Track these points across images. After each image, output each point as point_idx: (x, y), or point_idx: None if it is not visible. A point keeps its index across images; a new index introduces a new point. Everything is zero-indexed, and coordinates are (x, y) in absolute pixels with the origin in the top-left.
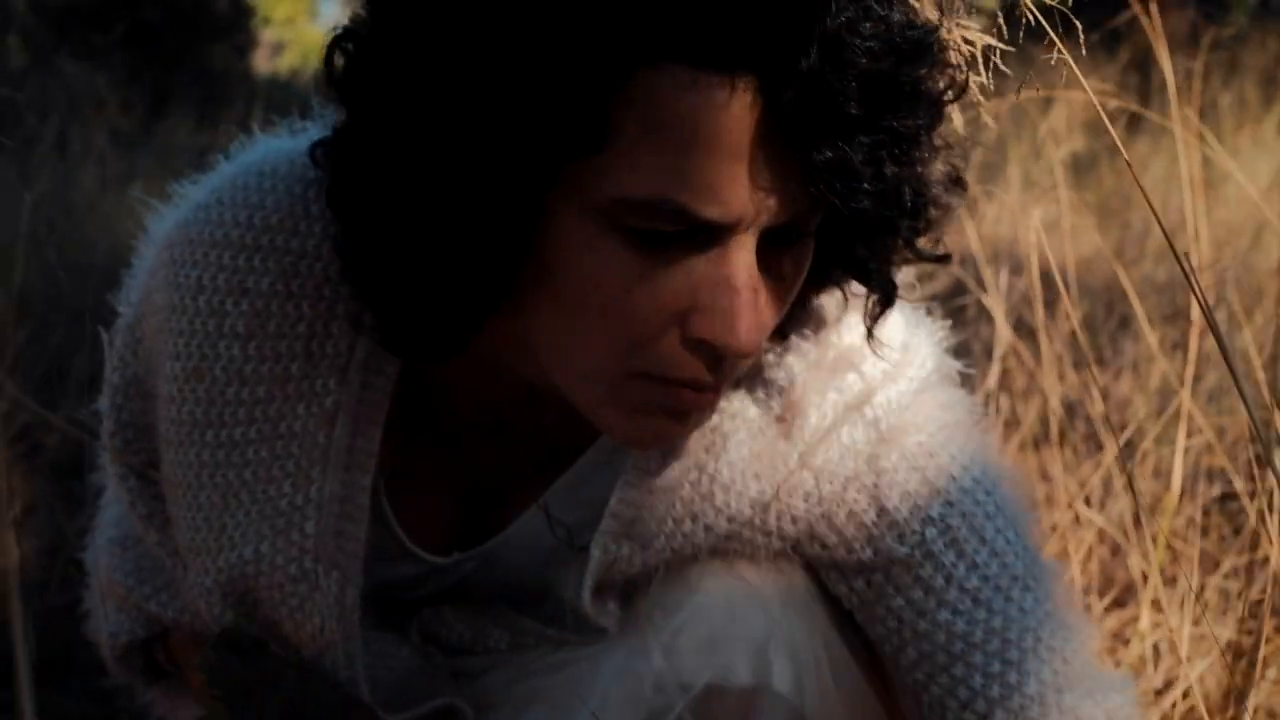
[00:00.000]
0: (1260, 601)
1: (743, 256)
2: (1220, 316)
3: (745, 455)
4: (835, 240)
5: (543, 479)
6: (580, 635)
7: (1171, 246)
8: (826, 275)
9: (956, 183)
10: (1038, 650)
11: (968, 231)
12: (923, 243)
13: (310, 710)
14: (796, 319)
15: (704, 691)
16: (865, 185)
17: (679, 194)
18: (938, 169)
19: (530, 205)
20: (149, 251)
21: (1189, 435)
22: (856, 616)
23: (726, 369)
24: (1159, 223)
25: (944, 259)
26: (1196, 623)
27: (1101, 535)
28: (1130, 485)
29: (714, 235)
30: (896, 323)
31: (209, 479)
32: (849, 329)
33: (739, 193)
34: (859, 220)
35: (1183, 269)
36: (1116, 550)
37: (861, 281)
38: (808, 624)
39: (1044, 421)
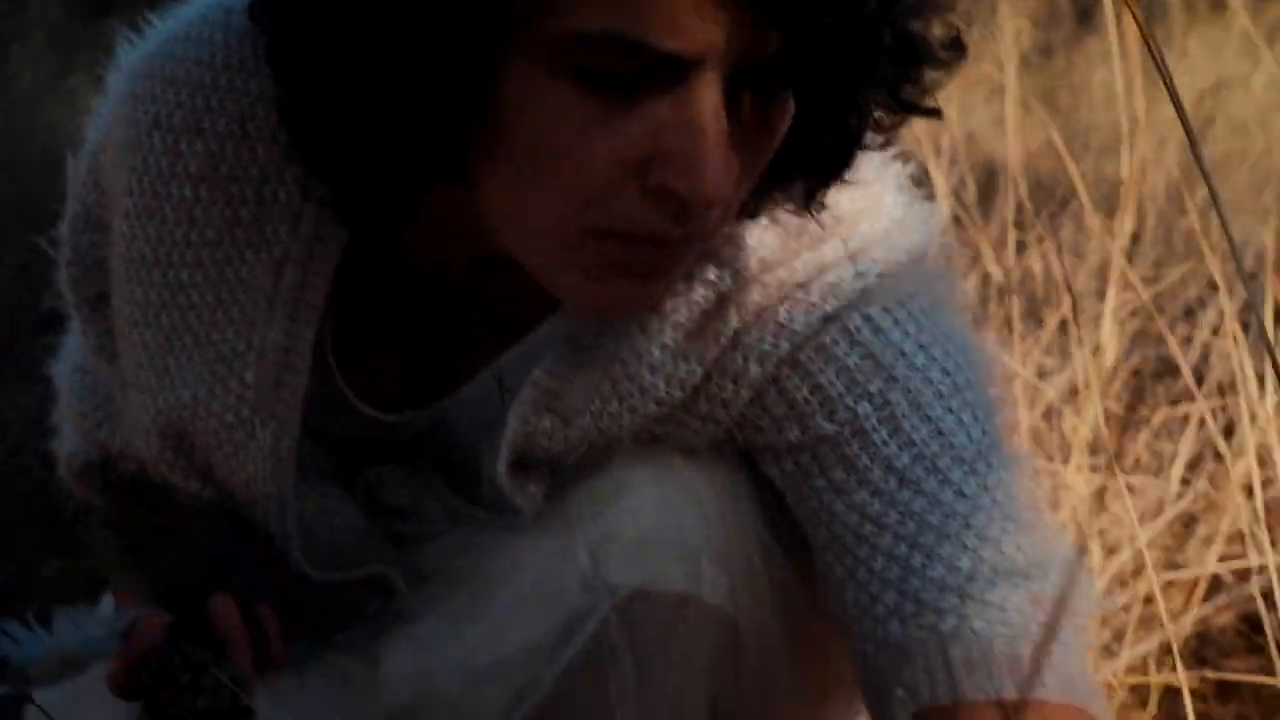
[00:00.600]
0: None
1: (708, 97)
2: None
3: (680, 338)
4: (815, 99)
5: (499, 349)
6: (504, 516)
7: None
8: (805, 147)
9: (953, 45)
10: (962, 537)
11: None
12: (910, 93)
13: (217, 561)
14: (769, 199)
15: (632, 595)
16: (834, 13)
17: (634, 25)
18: (927, 24)
19: (477, 50)
20: (116, 80)
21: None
22: (789, 502)
23: (693, 224)
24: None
25: (933, 113)
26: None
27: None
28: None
29: (675, 74)
30: (870, 198)
31: (154, 319)
32: (816, 210)
33: (700, 22)
34: (835, 64)
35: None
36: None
37: (838, 145)
38: (744, 531)
39: (984, 300)
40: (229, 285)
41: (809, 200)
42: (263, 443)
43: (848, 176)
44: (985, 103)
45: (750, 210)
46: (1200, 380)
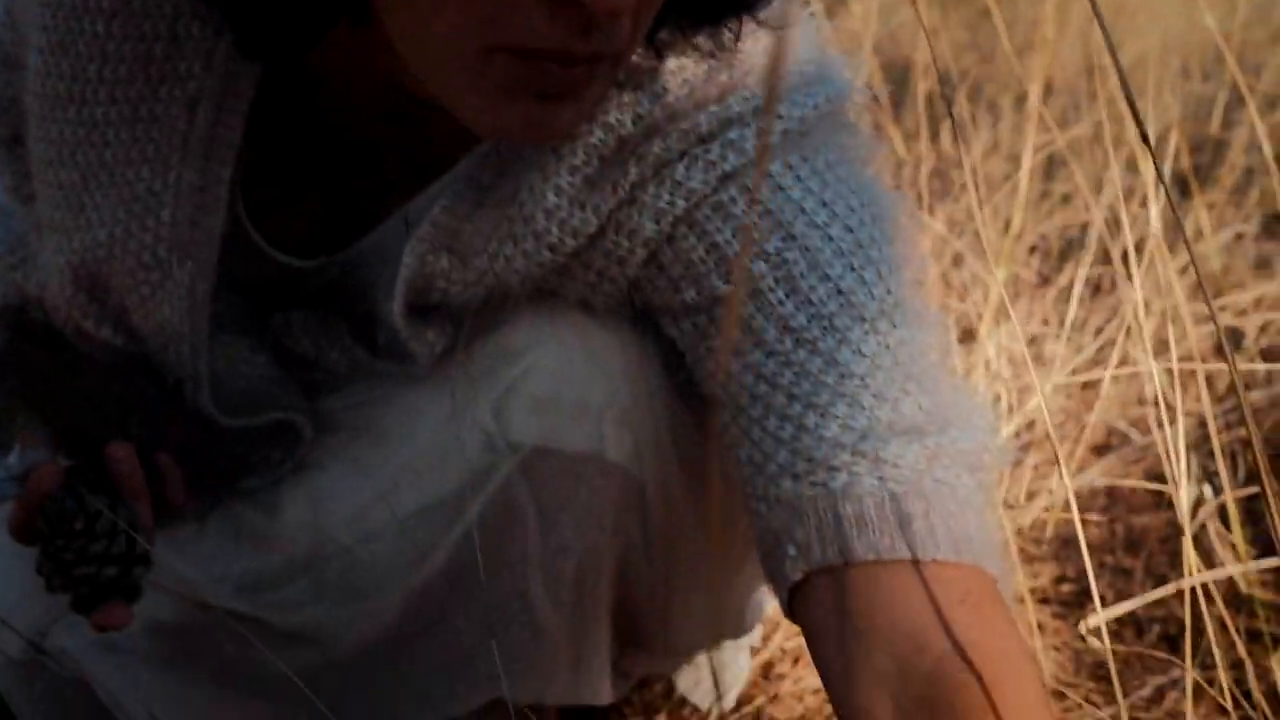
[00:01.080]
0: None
1: None
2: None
3: (578, 183)
4: None
5: (410, 194)
6: (403, 365)
7: None
8: None
9: None
10: (858, 395)
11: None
12: None
13: (119, 409)
14: (676, 33)
15: (533, 453)
16: None
17: None
18: None
19: None
20: None
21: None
22: (689, 363)
23: (598, 40)
24: None
25: None
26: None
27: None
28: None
29: None
30: (782, 51)
31: (69, 158)
32: (727, 62)
33: None
34: None
35: None
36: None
37: None
38: (648, 393)
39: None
40: (144, 123)
41: (715, 38)
42: (179, 283)
43: (759, 19)
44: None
45: (657, 46)
46: (1111, 251)
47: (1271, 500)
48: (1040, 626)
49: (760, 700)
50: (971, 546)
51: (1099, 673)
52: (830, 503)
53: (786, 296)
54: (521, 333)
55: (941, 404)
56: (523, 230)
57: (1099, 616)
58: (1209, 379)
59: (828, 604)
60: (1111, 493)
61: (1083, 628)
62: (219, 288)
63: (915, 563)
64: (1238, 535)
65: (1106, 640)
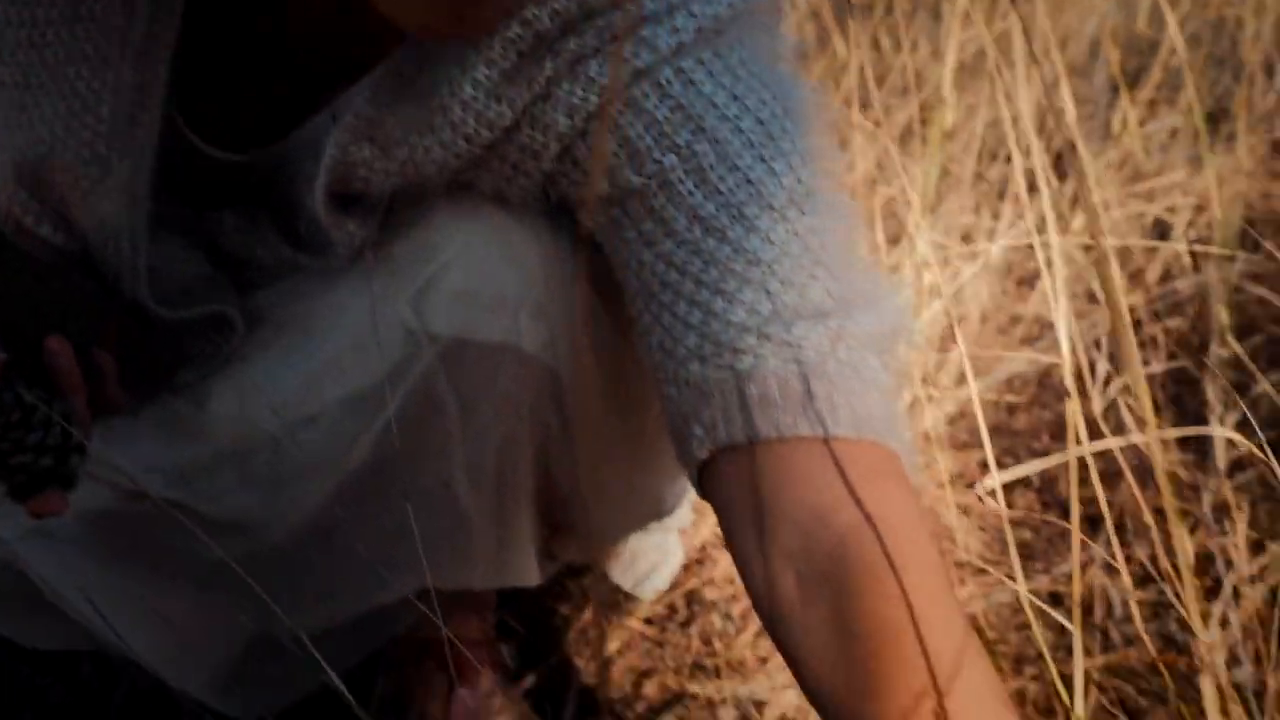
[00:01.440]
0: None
1: None
2: None
3: (495, 76)
4: None
5: (340, 88)
6: (326, 258)
7: None
8: None
9: None
10: (765, 282)
11: None
12: None
13: (56, 304)
14: None
15: (452, 344)
16: None
17: None
18: None
19: None
20: None
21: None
22: (605, 254)
23: None
24: None
25: None
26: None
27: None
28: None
29: None
30: None
31: (10, 57)
32: None
33: None
34: None
35: None
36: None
37: None
38: (563, 282)
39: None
40: (82, 23)
41: None
42: (118, 179)
43: None
44: None
45: None
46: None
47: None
48: (965, 510)
49: (694, 583)
50: (874, 424)
51: (1023, 552)
52: (736, 384)
53: (696, 187)
54: (439, 229)
55: (849, 289)
56: (440, 121)
57: (994, 479)
58: (1140, 271)
59: (735, 482)
60: (1043, 381)
61: (979, 489)
62: (157, 186)
63: (819, 440)
64: (1147, 410)
65: (1002, 502)
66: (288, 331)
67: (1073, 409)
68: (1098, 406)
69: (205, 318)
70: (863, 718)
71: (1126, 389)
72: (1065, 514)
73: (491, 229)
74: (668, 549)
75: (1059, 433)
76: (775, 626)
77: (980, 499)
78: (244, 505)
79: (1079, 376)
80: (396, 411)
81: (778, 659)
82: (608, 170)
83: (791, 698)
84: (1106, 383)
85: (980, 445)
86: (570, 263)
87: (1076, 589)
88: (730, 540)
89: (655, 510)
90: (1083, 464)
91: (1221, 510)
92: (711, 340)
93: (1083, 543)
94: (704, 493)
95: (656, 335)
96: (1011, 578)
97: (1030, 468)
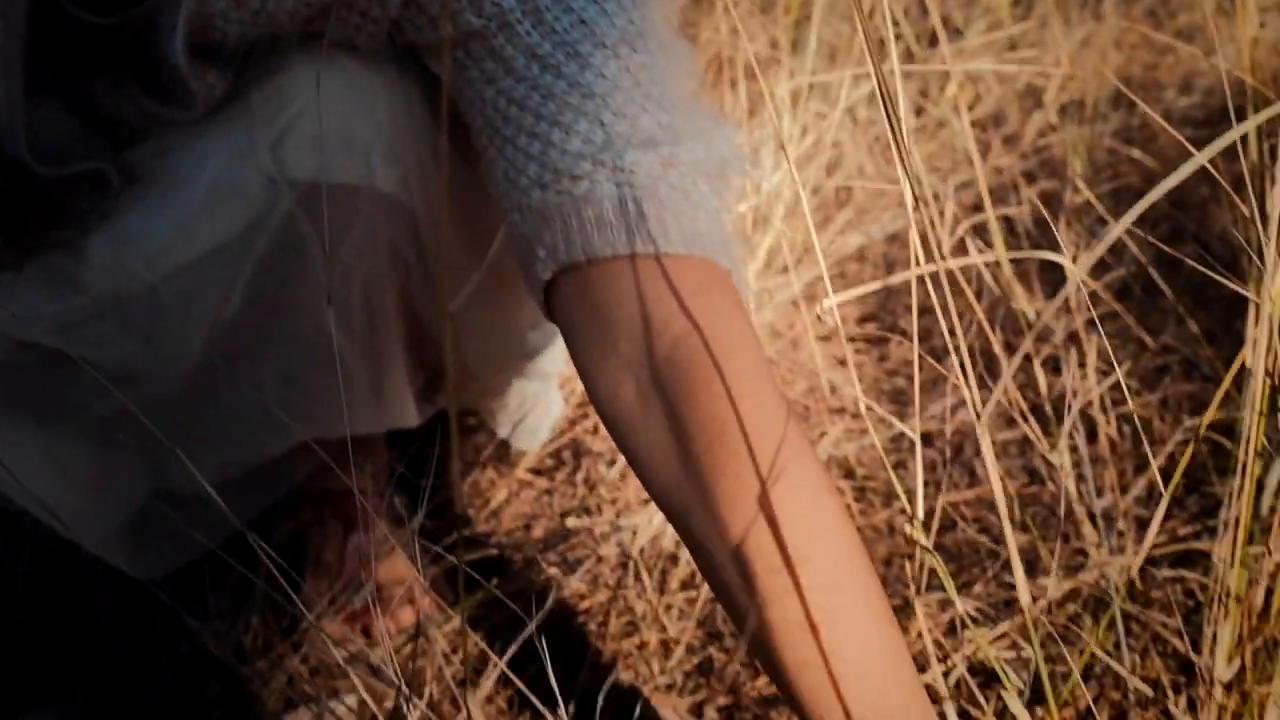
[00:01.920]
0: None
1: None
2: None
3: None
4: None
5: None
6: (189, 111)
7: None
8: None
9: None
10: (599, 113)
11: None
12: None
13: None
14: None
15: (309, 188)
16: None
17: None
18: None
19: None
20: None
21: None
22: (452, 95)
23: None
24: None
25: None
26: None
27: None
28: None
29: None
30: None
31: None
32: None
33: None
34: None
35: None
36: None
37: None
38: (414, 126)
39: None
40: None
41: None
42: None
43: None
44: None
45: None
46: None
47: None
48: (841, 361)
49: (577, 433)
50: (703, 241)
51: (899, 398)
52: (574, 207)
53: (533, 27)
54: (293, 78)
55: (679, 121)
56: None
57: (831, 299)
58: (1015, 134)
59: (576, 301)
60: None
61: (818, 309)
62: (30, 52)
63: (652, 257)
64: (999, 243)
65: (839, 321)
66: (159, 184)
67: (913, 237)
68: (947, 241)
69: (82, 175)
70: (698, 509)
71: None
72: (938, 363)
73: (343, 75)
74: (549, 400)
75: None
76: (620, 434)
77: (820, 318)
78: (126, 355)
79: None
80: (263, 256)
81: None
82: (449, 14)
83: (668, 528)
84: (956, 224)
85: (856, 302)
86: (418, 104)
87: (917, 396)
88: (576, 358)
89: (521, 347)
90: (934, 301)
91: (1073, 341)
92: (550, 169)
93: (953, 386)
94: (551, 315)
95: (500, 167)
96: (886, 420)
97: (868, 288)
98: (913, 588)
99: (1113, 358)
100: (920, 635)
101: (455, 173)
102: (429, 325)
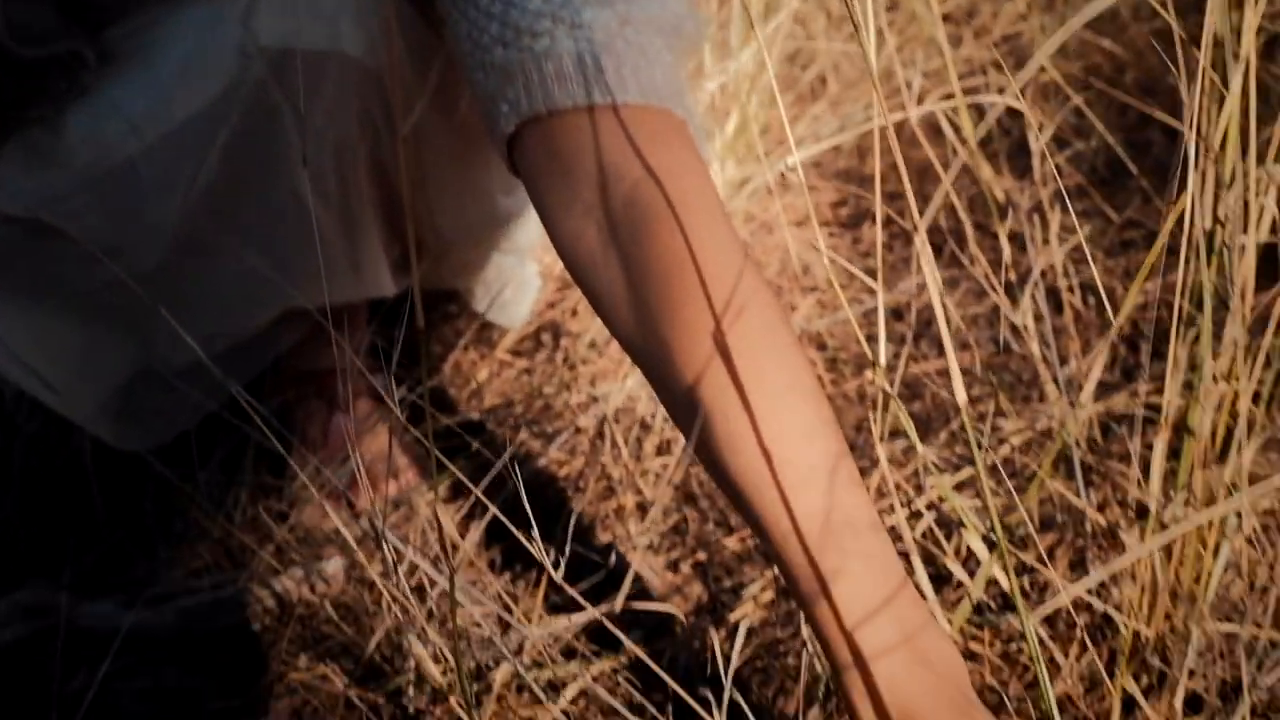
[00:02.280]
0: None
1: None
2: None
3: None
4: None
5: None
6: None
7: None
8: None
9: None
10: None
11: None
12: None
13: None
14: None
15: (279, 54)
16: None
17: None
18: None
19: None
20: None
21: None
22: None
23: None
24: None
25: None
26: None
27: None
28: None
29: None
30: None
31: None
32: None
33: None
34: None
35: None
36: None
37: None
38: None
39: None
40: None
41: None
42: None
43: None
44: None
45: None
46: None
47: None
48: (815, 247)
49: (556, 315)
50: (659, 92)
51: (872, 278)
52: (534, 63)
53: None
54: None
55: None
56: None
57: (794, 155)
58: (985, 27)
59: (539, 151)
60: (900, 129)
61: (781, 165)
62: None
63: (609, 107)
64: (963, 115)
65: (802, 176)
66: (133, 61)
67: (875, 94)
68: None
69: (60, 55)
70: (657, 346)
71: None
72: (909, 245)
73: None
74: (525, 276)
75: (912, 176)
76: (583, 278)
77: (784, 175)
78: (107, 226)
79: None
80: (237, 124)
81: (635, 372)
82: None
83: (642, 395)
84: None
85: (832, 189)
86: None
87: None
88: (539, 208)
89: (492, 212)
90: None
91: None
92: (512, 27)
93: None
94: (515, 169)
95: (464, 28)
96: (857, 299)
97: (831, 141)
98: (875, 431)
99: (1076, 225)
100: (883, 478)
101: (420, 36)
102: (402, 193)
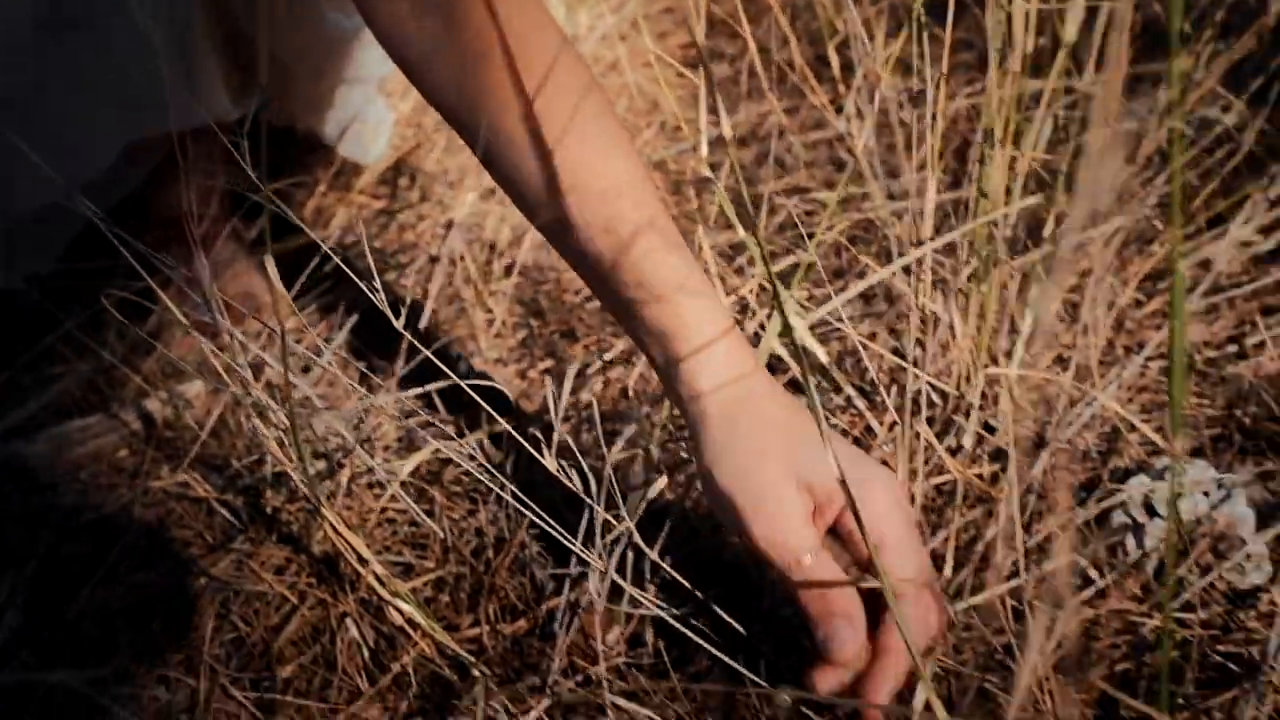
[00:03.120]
0: None
1: None
2: None
3: None
4: None
5: None
6: None
7: None
8: None
9: None
10: None
11: None
12: None
13: None
14: None
15: None
16: None
17: None
18: None
19: None
20: None
21: None
22: None
23: None
24: None
25: None
26: None
27: None
28: None
29: None
30: None
31: None
32: None
33: None
34: None
35: None
36: None
37: None
38: None
39: None
40: None
41: None
42: None
43: None
44: None
45: None
46: None
47: None
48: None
49: (413, 158)
50: None
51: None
52: None
53: None
54: None
55: None
56: None
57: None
58: None
59: None
60: None
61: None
62: None
63: None
64: None
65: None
66: None
67: None
68: None
69: None
70: (475, 112)
71: None
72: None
73: None
74: (375, 110)
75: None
76: (398, 51)
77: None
78: None
79: None
80: None
81: (489, 192)
82: None
83: (488, 217)
84: None
85: (679, 33)
86: None
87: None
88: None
89: (325, 34)
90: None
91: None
92: None
93: (761, 95)
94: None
95: None
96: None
97: None
98: (695, 203)
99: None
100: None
101: None
102: (239, 19)
